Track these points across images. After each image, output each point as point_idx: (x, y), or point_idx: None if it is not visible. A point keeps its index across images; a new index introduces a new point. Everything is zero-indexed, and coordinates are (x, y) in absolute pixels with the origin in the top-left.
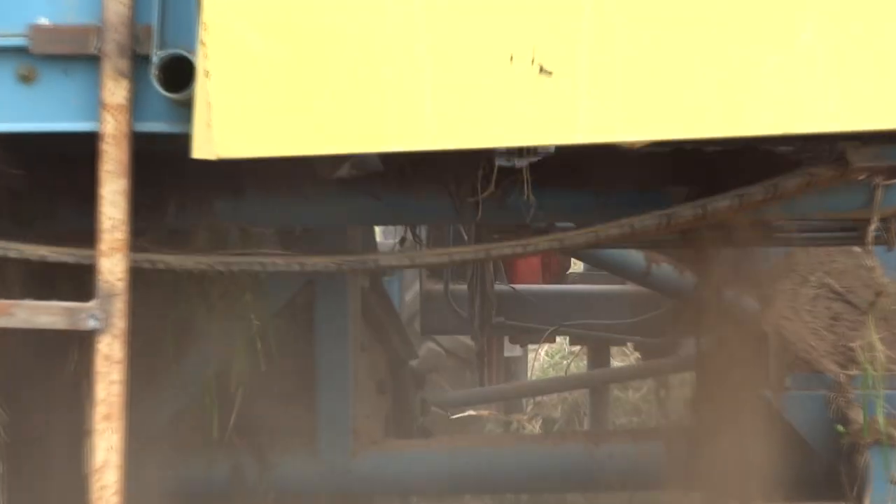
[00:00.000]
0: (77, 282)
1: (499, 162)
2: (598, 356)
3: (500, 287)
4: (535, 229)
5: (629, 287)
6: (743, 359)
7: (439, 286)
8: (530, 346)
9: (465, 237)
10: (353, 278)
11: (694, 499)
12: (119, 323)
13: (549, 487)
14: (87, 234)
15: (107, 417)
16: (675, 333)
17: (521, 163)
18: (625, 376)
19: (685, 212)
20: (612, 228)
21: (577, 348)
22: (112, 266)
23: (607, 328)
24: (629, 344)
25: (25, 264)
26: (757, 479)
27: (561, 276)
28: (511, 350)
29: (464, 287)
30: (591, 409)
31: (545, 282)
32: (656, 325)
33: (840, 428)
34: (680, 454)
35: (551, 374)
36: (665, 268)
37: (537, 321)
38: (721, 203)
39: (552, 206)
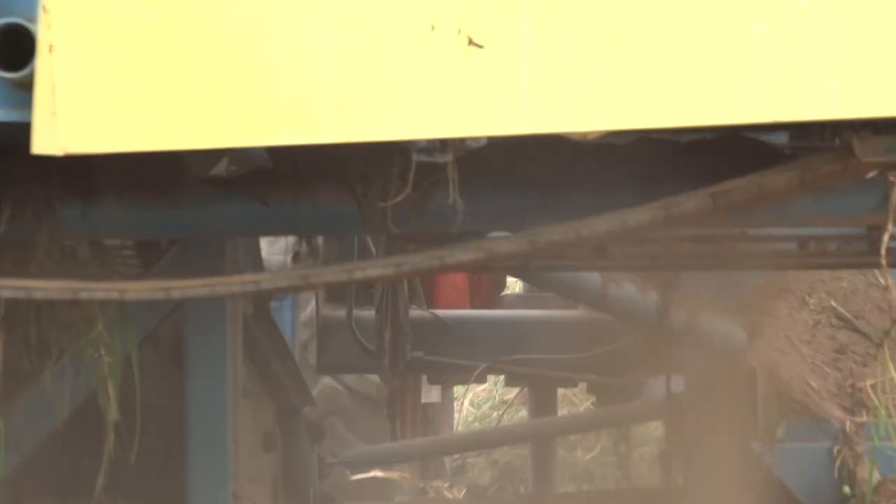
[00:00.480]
0: None
1: (417, 158)
2: (542, 401)
3: (417, 313)
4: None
5: (581, 313)
6: (725, 403)
7: (341, 312)
8: (455, 389)
9: (374, 250)
10: (232, 304)
11: None
12: None
13: None
14: None
15: None
16: (640, 372)
17: (444, 158)
18: (576, 427)
19: (688, 203)
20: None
21: (513, 392)
22: None
23: (553, 365)
24: (581, 386)
25: None
26: None
27: (494, 298)
28: (430, 394)
29: (371, 313)
30: (533, 472)
31: (474, 306)
32: (615, 361)
33: (846, 489)
34: None
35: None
36: (626, 288)
37: (464, 356)
38: (739, 192)
39: (483, 212)
